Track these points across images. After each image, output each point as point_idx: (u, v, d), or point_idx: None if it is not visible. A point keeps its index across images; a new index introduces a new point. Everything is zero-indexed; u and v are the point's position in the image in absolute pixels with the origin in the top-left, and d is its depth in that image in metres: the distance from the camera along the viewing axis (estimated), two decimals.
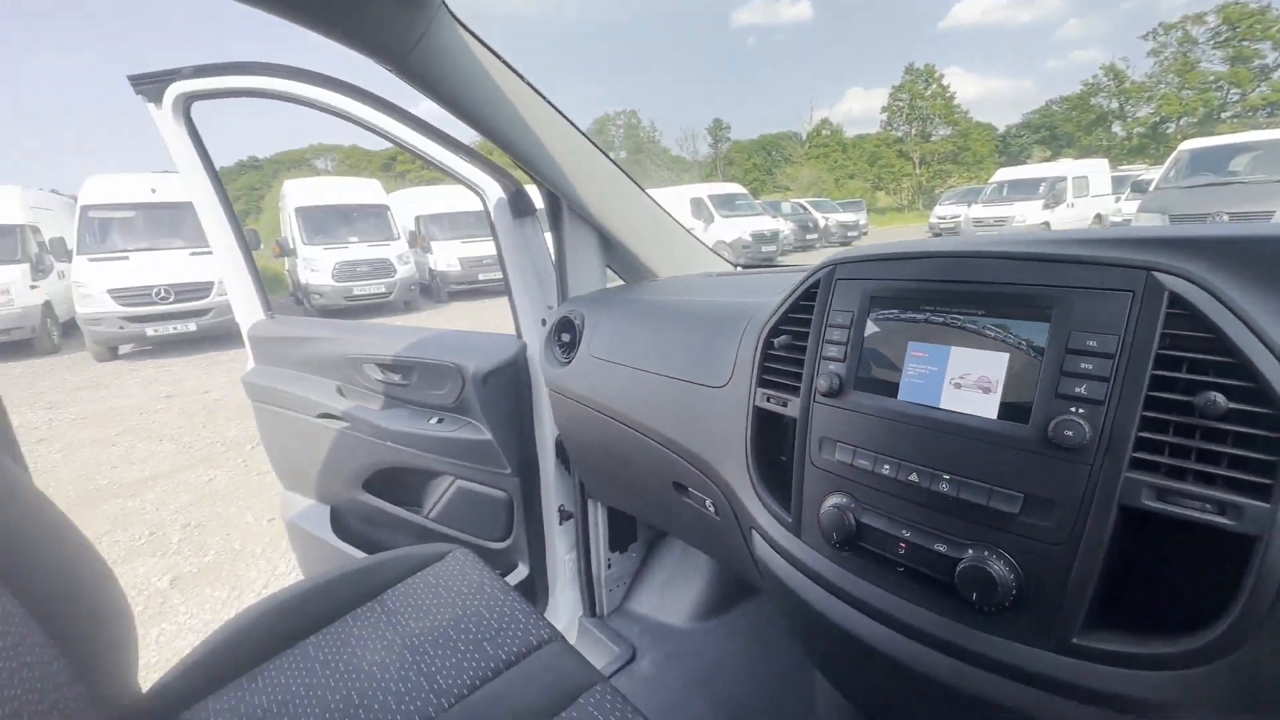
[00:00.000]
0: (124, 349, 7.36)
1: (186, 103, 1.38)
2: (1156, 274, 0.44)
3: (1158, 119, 35.95)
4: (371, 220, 9.98)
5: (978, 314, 0.52)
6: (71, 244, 7.29)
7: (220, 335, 7.34)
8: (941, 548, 0.52)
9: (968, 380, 0.52)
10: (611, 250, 1.24)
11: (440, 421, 1.38)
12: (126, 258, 7.18)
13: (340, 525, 1.58)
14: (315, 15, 0.77)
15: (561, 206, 1.16)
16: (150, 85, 1.35)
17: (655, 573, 1.44)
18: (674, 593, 1.38)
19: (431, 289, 10.87)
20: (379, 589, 0.94)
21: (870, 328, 0.60)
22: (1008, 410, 0.50)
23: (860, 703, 0.74)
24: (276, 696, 0.76)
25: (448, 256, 10.46)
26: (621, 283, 1.29)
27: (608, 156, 1.13)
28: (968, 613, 0.51)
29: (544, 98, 1.04)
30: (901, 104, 44.52)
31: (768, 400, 0.70)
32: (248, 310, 1.57)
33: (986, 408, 0.51)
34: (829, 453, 0.61)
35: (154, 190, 7.72)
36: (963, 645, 0.51)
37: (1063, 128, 40.27)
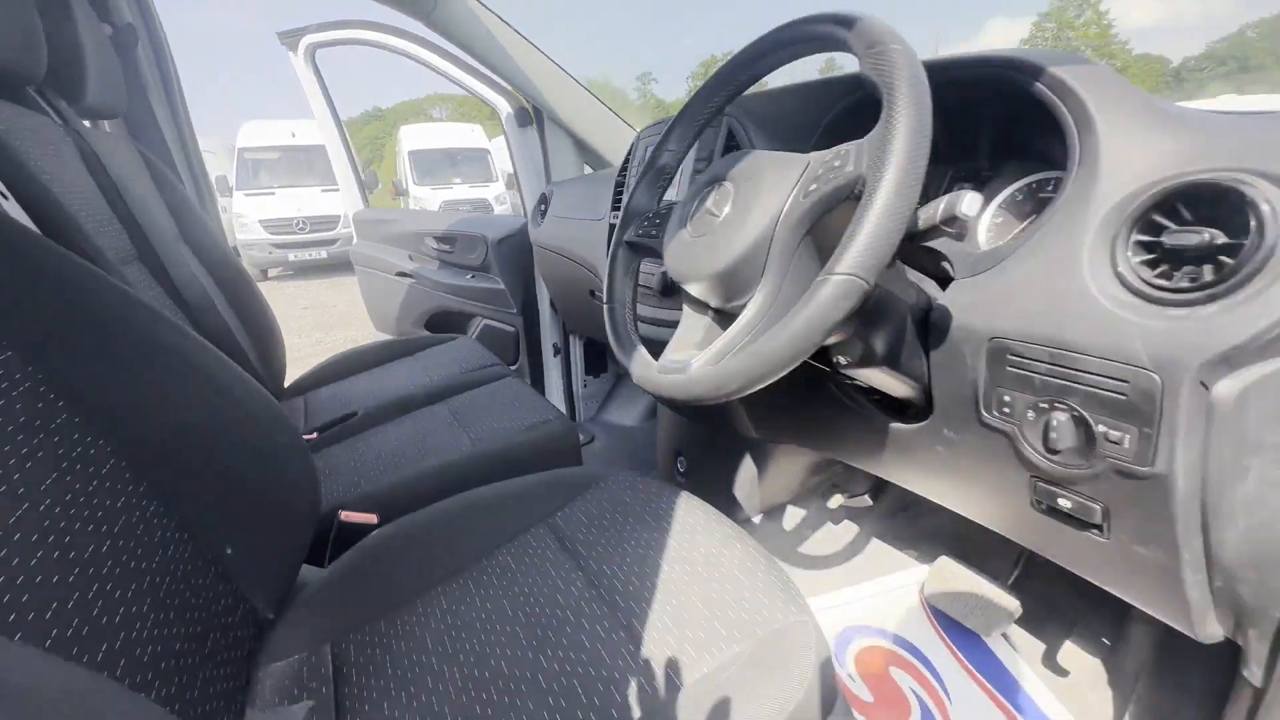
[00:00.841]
0: (272, 272, 8.76)
1: (313, 50, 2.01)
2: (729, 118, 0.90)
3: None
4: (473, 163, 10.83)
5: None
6: (232, 181, 8.71)
7: (347, 263, 8.55)
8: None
9: (682, 178, 1.00)
10: (584, 150, 1.74)
11: (472, 277, 1.98)
12: (273, 193, 8.49)
13: None
14: None
15: (544, 118, 1.68)
16: (290, 38, 1.99)
17: (619, 394, 1.99)
18: (628, 406, 1.93)
19: None
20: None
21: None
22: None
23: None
24: (360, 389, 1.39)
25: None
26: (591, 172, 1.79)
27: (576, 80, 1.63)
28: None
29: (529, 41, 1.55)
30: (1046, 35, 39.69)
31: (614, 218, 1.20)
32: (351, 201, 2.24)
33: (677, 194, 0.99)
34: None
35: (294, 135, 8.95)
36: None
37: (1257, 58, 34.26)
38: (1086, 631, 0.90)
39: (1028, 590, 0.93)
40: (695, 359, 0.54)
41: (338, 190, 2.24)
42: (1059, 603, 0.93)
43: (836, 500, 1.19)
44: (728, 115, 0.90)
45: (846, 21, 0.51)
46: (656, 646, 0.56)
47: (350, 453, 1.05)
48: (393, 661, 0.60)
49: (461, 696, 0.55)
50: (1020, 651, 0.93)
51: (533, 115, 1.74)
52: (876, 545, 1.14)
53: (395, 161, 12.11)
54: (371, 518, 0.78)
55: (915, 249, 0.68)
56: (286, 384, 1.51)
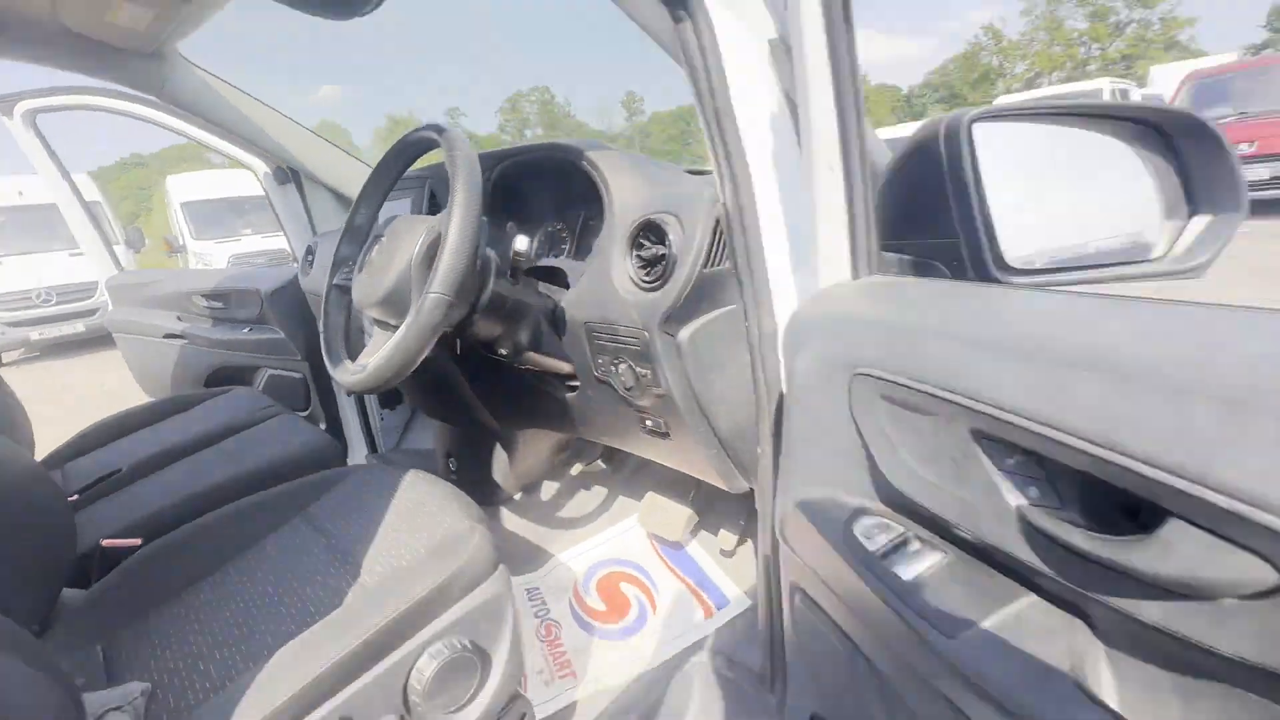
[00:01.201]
0: (9, 356, 7.35)
1: (33, 115, 1.92)
2: (430, 181, 1.15)
3: (1033, 74, 38.98)
4: (265, 211, 9.94)
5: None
6: None
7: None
8: None
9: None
10: (343, 200, 1.90)
11: (249, 330, 2.01)
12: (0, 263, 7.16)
13: None
14: (100, 71, 1.39)
15: (300, 176, 1.81)
16: (3, 104, 1.89)
17: (416, 423, 2.15)
18: (424, 432, 2.09)
19: None
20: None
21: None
22: None
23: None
24: (124, 450, 1.41)
25: None
26: None
27: (321, 137, 1.79)
28: None
29: (269, 105, 1.68)
30: None
31: None
32: (102, 267, 2.14)
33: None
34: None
35: (21, 193, 7.62)
36: None
37: (957, 87, 43.03)
38: (735, 519, 1.27)
39: (701, 501, 1.29)
40: (371, 361, 0.78)
41: None
42: (718, 505, 1.30)
43: (577, 469, 1.48)
44: (429, 179, 1.16)
45: (440, 130, 0.79)
46: (369, 565, 0.78)
47: (115, 502, 1.12)
48: (160, 639, 0.75)
49: (219, 636, 0.72)
50: (703, 546, 1.29)
51: (289, 173, 1.86)
52: (613, 498, 1.45)
53: (167, 214, 10.77)
54: (135, 542, 0.90)
55: (546, 269, 0.98)
56: (39, 458, 1.46)
